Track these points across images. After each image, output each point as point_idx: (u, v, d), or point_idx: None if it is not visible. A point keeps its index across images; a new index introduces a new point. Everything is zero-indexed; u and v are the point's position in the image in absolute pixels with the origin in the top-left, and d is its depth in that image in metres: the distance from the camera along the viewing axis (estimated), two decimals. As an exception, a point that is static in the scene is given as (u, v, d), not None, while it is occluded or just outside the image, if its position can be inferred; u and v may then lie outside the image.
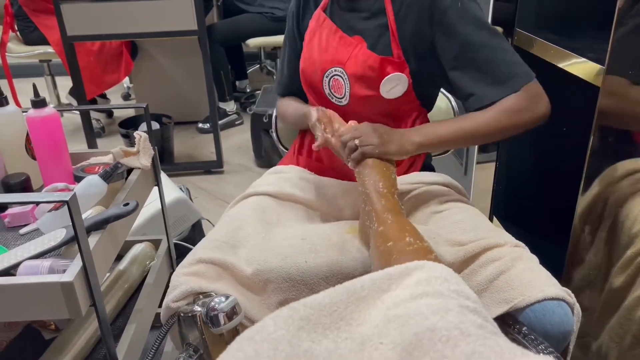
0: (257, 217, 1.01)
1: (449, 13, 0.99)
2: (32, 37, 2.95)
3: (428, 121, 1.15)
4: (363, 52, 1.05)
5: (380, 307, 0.57)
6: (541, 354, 0.74)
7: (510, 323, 0.82)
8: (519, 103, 0.96)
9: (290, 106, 1.26)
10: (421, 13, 1.01)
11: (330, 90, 1.11)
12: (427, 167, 1.23)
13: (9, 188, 1.11)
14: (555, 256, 1.11)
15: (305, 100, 1.25)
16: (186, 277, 0.86)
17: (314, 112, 1.07)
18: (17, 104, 2.64)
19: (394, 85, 1.05)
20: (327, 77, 1.10)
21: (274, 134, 1.41)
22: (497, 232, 0.94)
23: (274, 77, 3.96)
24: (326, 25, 1.11)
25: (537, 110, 0.97)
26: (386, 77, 1.04)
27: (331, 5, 1.13)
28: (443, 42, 1.01)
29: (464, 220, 0.96)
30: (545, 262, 0.88)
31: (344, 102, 1.11)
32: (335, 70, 1.09)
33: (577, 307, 0.82)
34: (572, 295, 0.82)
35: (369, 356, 0.51)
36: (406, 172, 1.15)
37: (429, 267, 0.62)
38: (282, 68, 1.30)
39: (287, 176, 1.15)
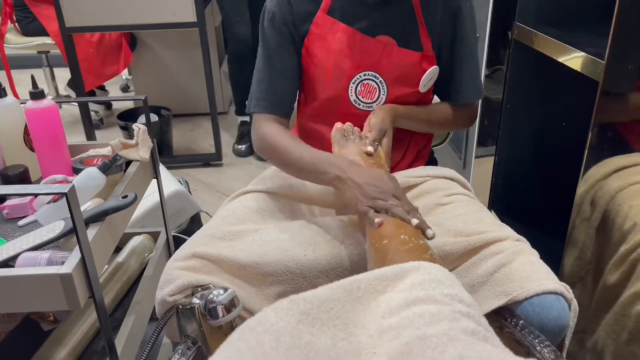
0: (255, 212, 1.00)
1: (464, 8, 1.04)
2: (30, 27, 2.94)
3: None
4: (397, 51, 1.03)
5: (375, 311, 0.59)
6: (538, 347, 0.75)
7: (506, 316, 0.82)
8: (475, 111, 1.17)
9: (307, 155, 0.98)
10: (445, 1, 1.04)
11: (356, 96, 1.06)
12: (431, 160, 1.23)
13: (7, 180, 1.11)
14: (552, 250, 1.12)
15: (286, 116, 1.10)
16: (180, 271, 0.85)
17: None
18: (15, 95, 2.63)
19: (430, 78, 1.06)
20: (353, 83, 1.05)
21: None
22: (499, 227, 0.94)
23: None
24: (337, 28, 1.03)
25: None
26: (426, 72, 1.04)
27: (340, 6, 1.04)
28: (450, 31, 1.05)
29: (467, 214, 0.97)
30: (542, 256, 0.88)
31: (377, 105, 1.06)
32: (365, 75, 1.04)
33: (574, 302, 0.83)
34: (570, 290, 0.83)
35: None
36: (411, 165, 1.15)
37: (424, 268, 0.63)
38: (270, 83, 1.07)
39: (285, 174, 1.15)
